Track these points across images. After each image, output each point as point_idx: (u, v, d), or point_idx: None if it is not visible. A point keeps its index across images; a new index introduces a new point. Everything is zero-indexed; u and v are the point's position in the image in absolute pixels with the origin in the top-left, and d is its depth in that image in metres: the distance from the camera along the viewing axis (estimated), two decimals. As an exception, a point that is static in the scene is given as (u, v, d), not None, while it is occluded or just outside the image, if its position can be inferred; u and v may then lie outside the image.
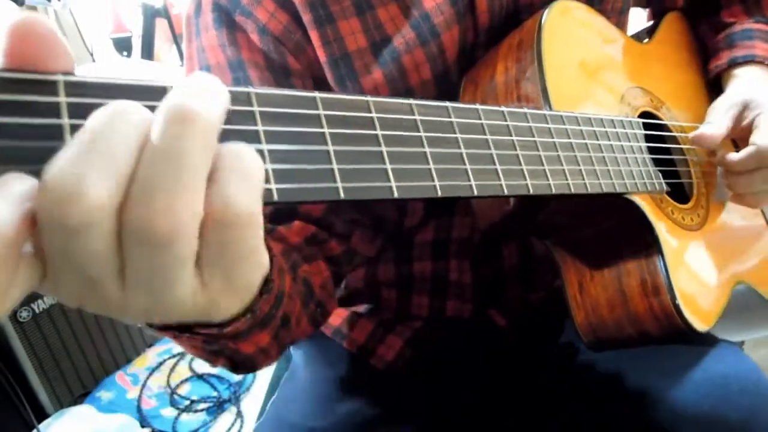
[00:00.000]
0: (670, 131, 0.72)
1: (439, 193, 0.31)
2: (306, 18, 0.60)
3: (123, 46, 1.66)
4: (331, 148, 0.29)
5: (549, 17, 0.61)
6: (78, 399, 1.53)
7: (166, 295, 0.27)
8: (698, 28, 0.86)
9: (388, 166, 0.30)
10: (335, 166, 0.28)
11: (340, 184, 0.28)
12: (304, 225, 0.62)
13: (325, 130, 0.30)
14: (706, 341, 0.62)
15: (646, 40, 0.80)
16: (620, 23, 0.73)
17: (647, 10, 0.92)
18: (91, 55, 1.61)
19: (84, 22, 1.65)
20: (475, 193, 0.34)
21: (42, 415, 1.46)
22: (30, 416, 1.40)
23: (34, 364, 1.44)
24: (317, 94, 0.31)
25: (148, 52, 1.63)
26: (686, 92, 0.80)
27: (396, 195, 0.29)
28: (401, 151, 0.31)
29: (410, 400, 0.72)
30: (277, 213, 0.62)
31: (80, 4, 1.63)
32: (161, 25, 1.67)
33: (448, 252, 0.72)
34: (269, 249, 0.40)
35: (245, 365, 0.52)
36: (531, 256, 0.73)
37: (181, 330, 0.37)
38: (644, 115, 0.68)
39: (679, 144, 0.72)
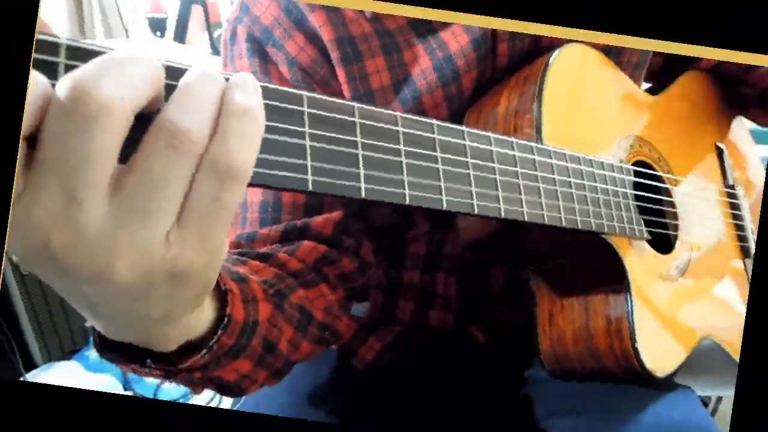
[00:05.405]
0: (664, 183, 0.74)
1: (407, 201, 0.34)
2: (334, 55, 0.62)
3: (158, 26, 1.71)
4: (308, 143, 0.32)
5: (558, 58, 0.63)
6: (67, 355, 1.57)
7: (147, 225, 0.27)
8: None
9: (362, 171, 0.33)
10: (309, 162, 0.31)
11: (310, 177, 0.31)
12: (314, 246, 0.62)
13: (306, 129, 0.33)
14: (664, 386, 0.64)
15: (660, 94, 0.82)
16: (634, 77, 0.74)
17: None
18: (126, 31, 1.64)
19: (123, -2, 1.69)
20: (444, 207, 0.37)
21: (30, 365, 1.50)
22: (19, 364, 1.45)
23: (30, 316, 1.48)
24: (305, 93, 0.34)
25: (180, 36, 1.68)
26: (688, 149, 0.82)
27: (363, 195, 0.32)
28: (377, 158, 0.35)
29: (387, 404, 0.74)
30: (290, 230, 0.62)
31: (122, -21, 1.68)
32: (197, 11, 1.72)
33: (438, 266, 0.74)
34: (224, 286, 0.44)
35: (231, 390, 0.52)
36: (518, 280, 0.74)
37: (132, 359, 0.40)
38: (639, 164, 0.71)
39: (671, 197, 0.75)
